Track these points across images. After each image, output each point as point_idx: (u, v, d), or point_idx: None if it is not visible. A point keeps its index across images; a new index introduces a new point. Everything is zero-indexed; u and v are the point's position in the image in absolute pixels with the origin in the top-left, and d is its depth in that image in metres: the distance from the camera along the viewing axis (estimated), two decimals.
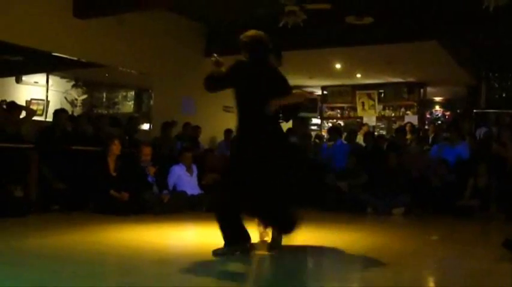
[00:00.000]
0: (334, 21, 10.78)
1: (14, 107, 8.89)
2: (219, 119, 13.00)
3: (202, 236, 6.47)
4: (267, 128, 4.97)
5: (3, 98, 10.10)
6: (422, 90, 16.45)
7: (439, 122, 17.09)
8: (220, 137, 12.57)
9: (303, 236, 5.17)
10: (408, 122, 14.64)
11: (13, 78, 11.30)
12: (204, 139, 12.11)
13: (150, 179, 9.09)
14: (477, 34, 11.38)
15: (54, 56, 9.79)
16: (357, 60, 13.71)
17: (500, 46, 12.97)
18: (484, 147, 10.60)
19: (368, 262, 5.23)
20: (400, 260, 5.24)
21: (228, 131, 12.45)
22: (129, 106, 13.05)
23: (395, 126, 15.58)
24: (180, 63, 12.14)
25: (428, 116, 17.43)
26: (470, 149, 10.57)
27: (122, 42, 10.61)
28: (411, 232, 7.95)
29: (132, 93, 13.09)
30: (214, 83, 5.18)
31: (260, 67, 5.12)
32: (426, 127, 15.30)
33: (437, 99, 17.95)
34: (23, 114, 9.11)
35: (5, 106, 9.17)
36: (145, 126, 12.04)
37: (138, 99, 13.01)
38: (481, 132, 12.56)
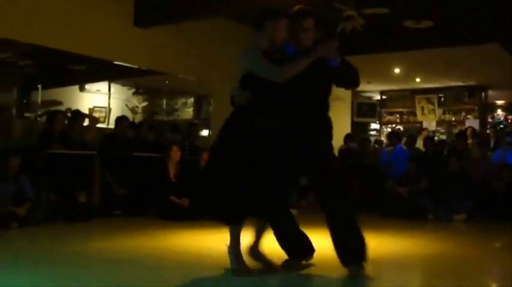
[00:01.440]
0: (392, 26, 10.69)
1: (78, 115, 9.15)
2: None
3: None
4: None
5: (68, 106, 10.41)
6: (483, 93, 16.13)
7: (501, 126, 16.71)
8: None
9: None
10: (469, 127, 14.37)
11: (77, 87, 11.63)
12: None
13: None
14: None
15: (116, 64, 10.00)
16: (415, 64, 13.56)
17: None
18: None
19: (428, 269, 5.18)
20: (462, 267, 5.16)
21: None
22: (188, 113, 13.24)
23: (455, 131, 15.30)
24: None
25: (490, 120, 17.06)
26: None
27: (181, 49, 10.75)
28: (473, 239, 7.81)
29: (192, 99, 13.28)
30: None
31: None
32: (487, 131, 14.99)
33: (499, 102, 17.56)
34: (87, 121, 9.35)
35: (69, 114, 9.44)
36: (205, 132, 12.17)
37: (197, 106, 13.18)
38: None
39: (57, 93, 11.35)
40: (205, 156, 9.22)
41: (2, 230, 6.79)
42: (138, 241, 6.37)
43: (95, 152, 8.85)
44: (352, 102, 17.24)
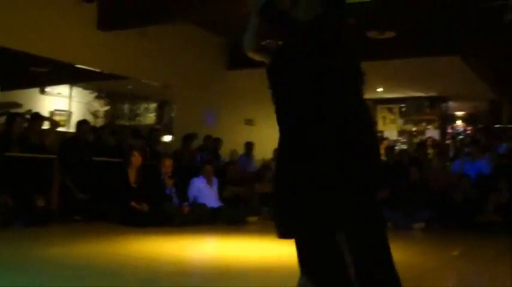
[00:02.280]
0: (356, 36, 10.78)
1: (38, 117, 9.01)
2: (240, 132, 13.03)
3: (221, 249, 6.49)
4: None
5: (28, 109, 10.25)
6: (444, 104, 16.39)
7: (461, 137, 17.00)
8: (241, 150, 12.60)
9: None
10: (429, 137, 14.59)
11: (37, 89, 11.46)
12: (224, 152, 12.17)
13: (167, 191, 9.13)
14: (500, 49, 11.33)
15: (78, 68, 9.90)
16: (378, 74, 13.69)
17: None
18: (506, 162, 10.53)
19: None
20: (420, 275, 5.21)
21: (248, 144, 12.45)
22: (150, 118, 13.16)
23: (416, 140, 15.51)
24: (202, 76, 12.22)
25: (449, 130, 17.34)
26: (492, 164, 10.50)
27: (145, 54, 10.71)
28: (431, 248, 7.90)
29: (154, 105, 13.20)
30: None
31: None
32: (447, 142, 15.23)
33: (459, 113, 17.87)
34: (47, 125, 9.22)
35: (28, 116, 9.29)
36: (167, 138, 12.11)
37: (159, 111, 13.10)
38: (501, 148, 12.43)
39: (17, 95, 11.18)
40: (166, 162, 9.23)
41: None
42: (98, 247, 6.29)
43: (55, 156, 8.72)
44: None
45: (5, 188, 7.69)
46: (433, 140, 13.79)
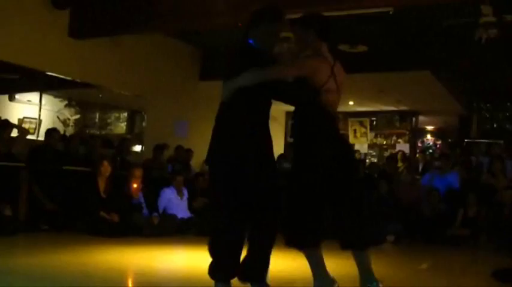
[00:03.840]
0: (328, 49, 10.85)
1: (6, 125, 8.87)
2: None
3: (191, 260, 6.44)
4: None
5: None
6: (414, 119, 16.53)
7: (430, 151, 17.16)
8: None
9: (287, 264, 5.12)
10: (400, 150, 14.68)
11: (6, 96, 11.29)
12: (195, 163, 12.12)
13: (134, 201, 9.07)
14: (469, 65, 11.49)
15: (48, 75, 9.79)
16: (349, 87, 13.75)
17: (492, 77, 13.09)
18: (474, 177, 10.65)
19: None
20: None
21: None
22: (121, 127, 13.05)
23: (386, 154, 15.61)
24: (174, 87, 12.18)
25: (419, 144, 17.49)
26: (460, 178, 10.60)
27: (117, 63, 10.64)
28: (400, 260, 7.94)
29: (125, 114, 13.09)
30: None
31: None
32: (417, 156, 15.35)
33: (429, 128, 18.05)
34: (15, 132, 9.09)
35: None
36: (137, 148, 12.03)
37: (130, 121, 13.01)
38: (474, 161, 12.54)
39: None
40: (136, 172, 9.16)
41: None
42: (65, 257, 6.21)
43: (23, 165, 8.60)
44: (286, 123, 17.36)
45: None
46: (403, 154, 13.87)
